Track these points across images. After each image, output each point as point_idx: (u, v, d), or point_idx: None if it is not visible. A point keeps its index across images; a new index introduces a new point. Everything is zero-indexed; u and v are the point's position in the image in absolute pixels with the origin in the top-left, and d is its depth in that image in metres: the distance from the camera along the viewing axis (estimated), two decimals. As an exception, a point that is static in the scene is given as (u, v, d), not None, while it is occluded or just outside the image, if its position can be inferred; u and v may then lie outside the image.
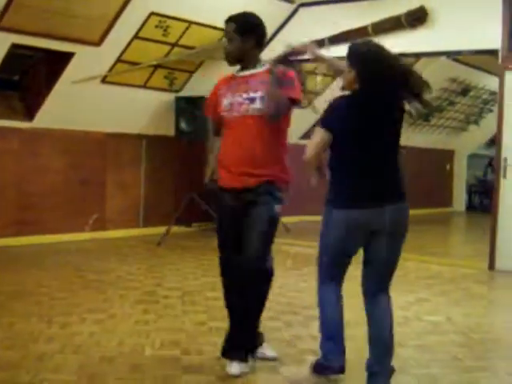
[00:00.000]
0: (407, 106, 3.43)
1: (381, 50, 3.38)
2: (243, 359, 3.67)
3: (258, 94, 3.65)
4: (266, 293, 3.77)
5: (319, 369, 3.56)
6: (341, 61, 3.87)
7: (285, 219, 8.75)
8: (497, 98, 7.91)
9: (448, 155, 15.22)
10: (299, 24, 8.68)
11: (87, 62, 7.66)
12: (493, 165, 11.73)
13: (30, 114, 7.93)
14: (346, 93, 3.47)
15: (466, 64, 11.94)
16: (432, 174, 14.29)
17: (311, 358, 3.64)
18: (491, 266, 7.25)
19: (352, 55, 3.41)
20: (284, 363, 3.86)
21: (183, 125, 8.76)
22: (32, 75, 7.98)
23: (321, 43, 8.37)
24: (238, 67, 3.83)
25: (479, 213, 14.28)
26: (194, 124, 8.67)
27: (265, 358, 3.86)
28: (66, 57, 7.55)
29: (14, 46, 7.12)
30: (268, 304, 3.85)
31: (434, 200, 14.35)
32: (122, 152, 8.95)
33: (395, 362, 3.46)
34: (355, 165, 3.35)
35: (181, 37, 8.19)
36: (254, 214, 3.64)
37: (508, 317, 5.48)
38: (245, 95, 3.69)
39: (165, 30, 7.96)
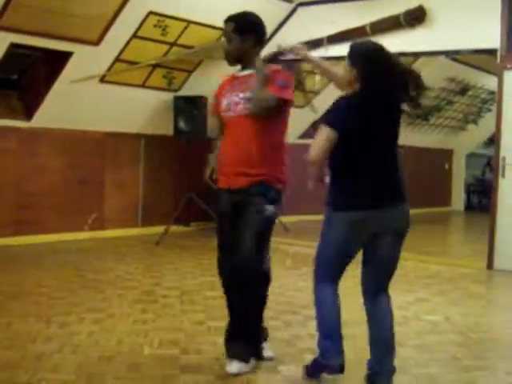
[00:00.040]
0: (405, 106, 3.44)
1: (381, 49, 3.39)
2: (243, 359, 3.66)
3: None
4: (262, 294, 3.76)
5: (317, 367, 3.52)
6: (328, 62, 3.88)
7: (284, 219, 8.76)
8: (495, 97, 7.92)
9: (447, 154, 15.23)
10: (298, 23, 8.69)
11: (86, 62, 7.66)
12: (491, 164, 11.78)
13: (28, 114, 7.92)
14: (346, 92, 3.47)
15: (465, 63, 11.95)
16: (431, 173, 14.29)
17: (310, 358, 3.63)
18: (490, 266, 7.25)
19: (353, 54, 3.41)
20: (283, 362, 3.86)
21: (182, 124, 8.75)
22: (31, 75, 7.97)
23: (319, 42, 8.41)
24: (239, 67, 3.82)
25: (478, 212, 14.30)
26: (192, 123, 8.68)
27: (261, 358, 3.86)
28: (65, 56, 7.55)
29: (13, 46, 7.11)
30: (267, 303, 3.86)
31: (432, 199, 14.35)
32: (120, 151, 8.95)
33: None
34: (356, 165, 3.34)
35: (179, 36, 8.18)
36: (247, 214, 3.63)
37: (506, 316, 5.48)
38: (241, 95, 3.69)
39: (163, 30, 7.96)
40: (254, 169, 3.64)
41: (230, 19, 3.74)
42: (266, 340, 3.90)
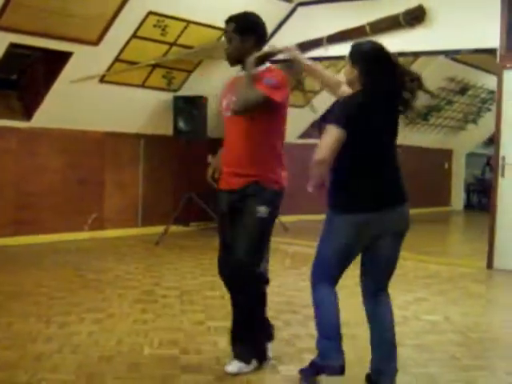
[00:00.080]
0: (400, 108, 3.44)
1: (382, 49, 3.39)
2: (243, 359, 3.67)
3: None
4: (259, 295, 3.73)
5: (315, 369, 3.47)
6: (320, 65, 3.87)
7: (283, 218, 8.76)
8: (495, 96, 7.92)
9: (446, 154, 15.23)
10: (297, 23, 8.69)
11: (85, 62, 7.66)
12: (491, 164, 11.78)
13: (28, 114, 7.92)
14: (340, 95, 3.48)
15: (465, 63, 11.95)
16: (430, 173, 14.29)
17: (310, 357, 3.63)
18: (489, 265, 7.26)
19: (354, 54, 3.40)
20: (283, 362, 3.86)
21: (181, 124, 8.75)
22: (30, 75, 7.97)
23: (319, 42, 8.41)
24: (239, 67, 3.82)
25: (477, 212, 14.30)
26: (192, 123, 8.68)
27: None
28: (64, 56, 7.55)
29: (12, 46, 7.11)
30: (267, 303, 3.84)
31: (432, 199, 14.35)
32: (120, 151, 8.95)
33: (393, 361, 3.46)
34: (358, 166, 3.32)
35: (179, 36, 8.18)
36: (241, 215, 3.63)
37: (506, 316, 5.48)
38: None
39: (163, 30, 7.96)
40: (243, 169, 3.63)
41: (231, 19, 3.74)
42: (270, 340, 3.88)
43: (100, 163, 8.73)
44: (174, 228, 8.87)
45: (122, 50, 7.89)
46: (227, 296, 3.87)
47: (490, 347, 4.51)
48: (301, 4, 8.69)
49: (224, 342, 4.19)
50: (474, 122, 14.59)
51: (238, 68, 3.78)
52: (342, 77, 3.57)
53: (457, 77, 12.64)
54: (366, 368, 3.51)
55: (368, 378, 3.52)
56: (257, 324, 3.76)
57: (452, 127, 14.57)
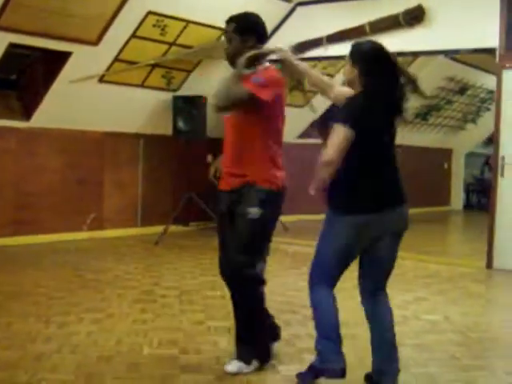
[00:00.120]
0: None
1: (382, 49, 3.38)
2: (243, 359, 3.67)
3: None
4: (255, 295, 3.70)
5: (314, 372, 3.42)
6: (314, 69, 3.86)
7: (283, 218, 8.75)
8: (494, 96, 7.92)
9: (446, 154, 15.23)
10: (297, 23, 8.69)
11: (85, 62, 7.65)
12: (489, 163, 11.78)
13: (27, 114, 7.92)
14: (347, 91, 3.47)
15: (464, 63, 11.95)
16: (430, 172, 14.30)
17: (310, 357, 3.62)
18: (489, 265, 7.25)
19: (355, 53, 3.40)
20: (283, 362, 3.86)
21: (181, 124, 8.75)
22: (29, 74, 7.97)
23: (319, 42, 8.41)
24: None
25: (477, 211, 14.30)
26: (191, 123, 8.68)
27: None
28: (64, 56, 7.55)
29: (12, 46, 7.11)
30: (267, 303, 3.83)
31: (431, 199, 14.36)
32: (119, 151, 8.95)
33: (393, 361, 3.46)
34: (358, 166, 3.30)
35: (178, 36, 8.18)
36: (235, 215, 3.63)
37: (506, 316, 5.48)
38: None
39: (162, 29, 7.96)
40: (238, 169, 3.64)
41: (232, 20, 3.73)
42: (275, 341, 3.87)
43: (99, 163, 8.73)
44: (173, 228, 8.87)
45: (121, 50, 7.89)
46: (227, 296, 3.88)
47: (489, 347, 4.51)
48: (300, 4, 8.69)
49: (224, 342, 4.20)
50: (474, 121, 14.59)
51: None
52: (335, 81, 3.56)
53: (456, 76, 12.64)
54: (367, 370, 3.50)
55: (367, 377, 3.51)
56: (257, 324, 3.74)
57: (451, 127, 14.57)
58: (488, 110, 13.88)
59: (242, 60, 3.56)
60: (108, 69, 8.02)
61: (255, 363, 3.70)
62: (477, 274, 7.09)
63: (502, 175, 7.19)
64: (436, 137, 14.35)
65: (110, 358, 3.86)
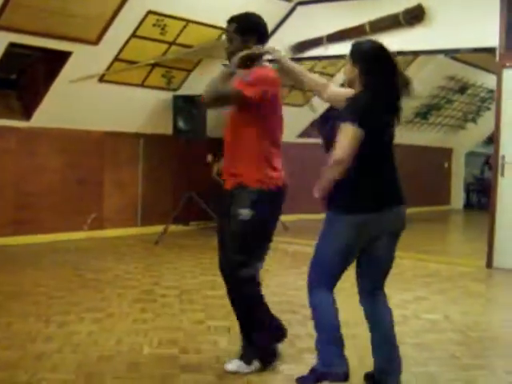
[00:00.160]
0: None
1: (382, 48, 3.38)
2: (243, 358, 3.67)
3: None
4: (252, 296, 3.69)
5: (316, 376, 3.38)
6: (307, 72, 3.86)
7: (283, 217, 8.74)
8: (494, 95, 7.92)
9: (446, 153, 15.22)
10: (297, 22, 8.68)
11: (85, 61, 7.65)
12: (489, 163, 11.77)
13: (27, 113, 7.92)
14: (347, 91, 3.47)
15: (464, 62, 11.94)
16: (430, 172, 14.30)
17: (310, 357, 3.63)
18: (489, 264, 7.25)
19: (355, 53, 3.40)
20: (284, 362, 3.85)
21: (181, 123, 8.75)
22: (30, 74, 7.97)
23: (319, 41, 8.41)
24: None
25: (477, 211, 14.29)
26: (191, 123, 8.67)
27: None
28: (64, 56, 7.54)
29: (12, 45, 7.10)
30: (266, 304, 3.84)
31: (431, 198, 14.35)
32: (119, 151, 8.95)
33: (393, 361, 3.46)
34: (360, 166, 3.28)
35: (178, 35, 8.18)
36: (229, 216, 3.63)
37: (506, 315, 5.48)
38: None
39: (162, 29, 7.96)
40: (233, 168, 3.65)
41: (233, 20, 3.74)
42: (279, 342, 3.85)
43: (99, 163, 8.73)
44: (173, 227, 8.87)
45: (121, 50, 7.89)
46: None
47: (489, 346, 4.51)
48: (300, 3, 8.68)
49: (224, 342, 4.20)
50: (474, 120, 14.58)
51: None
52: (335, 81, 3.56)
53: (456, 76, 12.63)
54: (367, 370, 3.50)
55: (367, 377, 3.51)
56: (256, 324, 3.73)
57: (451, 126, 14.56)
58: (488, 109, 13.88)
59: (235, 59, 3.59)
60: (108, 68, 8.02)
61: (256, 364, 3.69)
62: (477, 273, 7.09)
63: (503, 175, 7.19)
64: (436, 136, 14.34)
65: (110, 357, 3.86)
